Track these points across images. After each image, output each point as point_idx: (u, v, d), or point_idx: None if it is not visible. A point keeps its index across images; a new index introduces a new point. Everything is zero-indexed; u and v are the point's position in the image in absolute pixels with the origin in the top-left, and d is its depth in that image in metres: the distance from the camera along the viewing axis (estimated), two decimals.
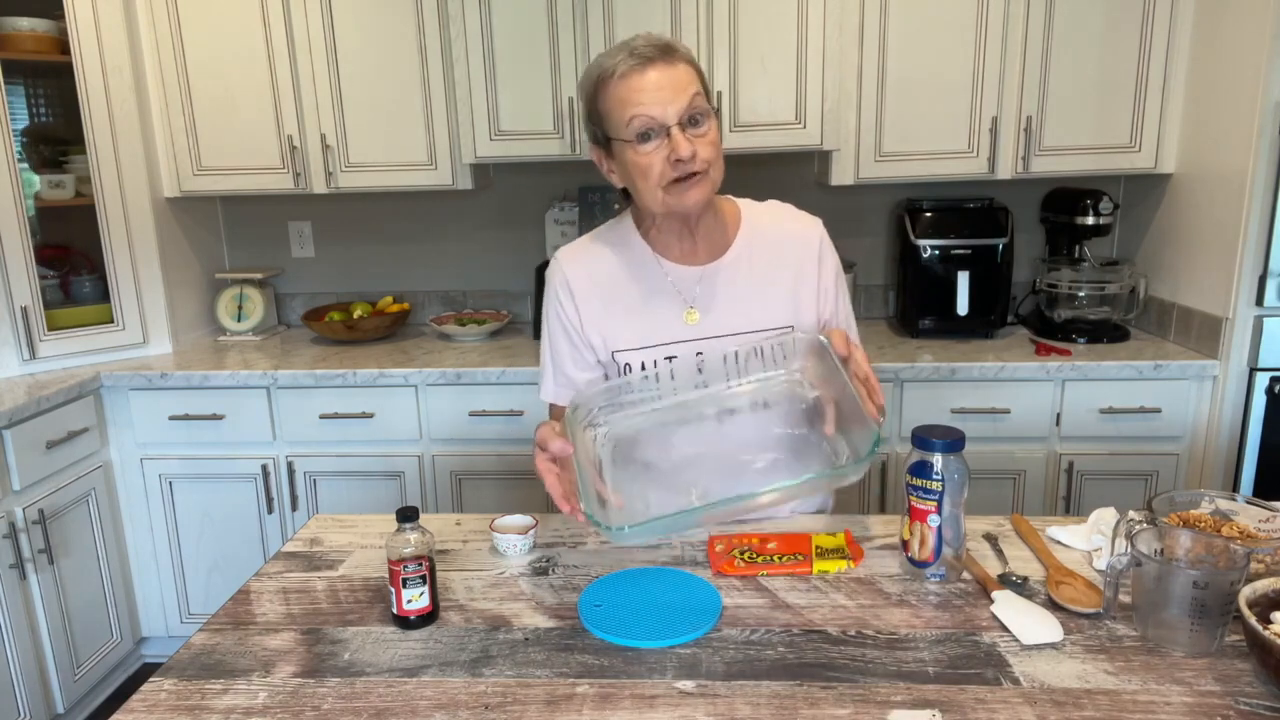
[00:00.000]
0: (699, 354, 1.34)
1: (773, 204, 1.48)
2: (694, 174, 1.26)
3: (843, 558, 1.28)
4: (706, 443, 1.31)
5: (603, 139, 1.31)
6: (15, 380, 2.46)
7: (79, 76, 2.48)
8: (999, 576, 1.24)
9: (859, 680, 1.02)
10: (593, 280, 1.41)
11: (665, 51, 1.24)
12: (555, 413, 1.47)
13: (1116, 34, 2.47)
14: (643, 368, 1.38)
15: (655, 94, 1.22)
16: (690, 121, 1.24)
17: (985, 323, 2.66)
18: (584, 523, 1.10)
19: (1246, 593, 1.03)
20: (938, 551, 1.23)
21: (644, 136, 1.24)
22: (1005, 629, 1.11)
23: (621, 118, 1.25)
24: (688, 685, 1.02)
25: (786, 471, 1.21)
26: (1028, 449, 2.46)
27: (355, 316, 2.88)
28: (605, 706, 0.99)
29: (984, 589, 1.20)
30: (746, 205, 1.46)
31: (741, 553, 1.30)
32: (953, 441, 1.22)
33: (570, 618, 1.17)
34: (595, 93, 1.28)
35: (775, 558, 1.28)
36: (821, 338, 1.23)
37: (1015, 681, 1.01)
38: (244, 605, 1.23)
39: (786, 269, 1.41)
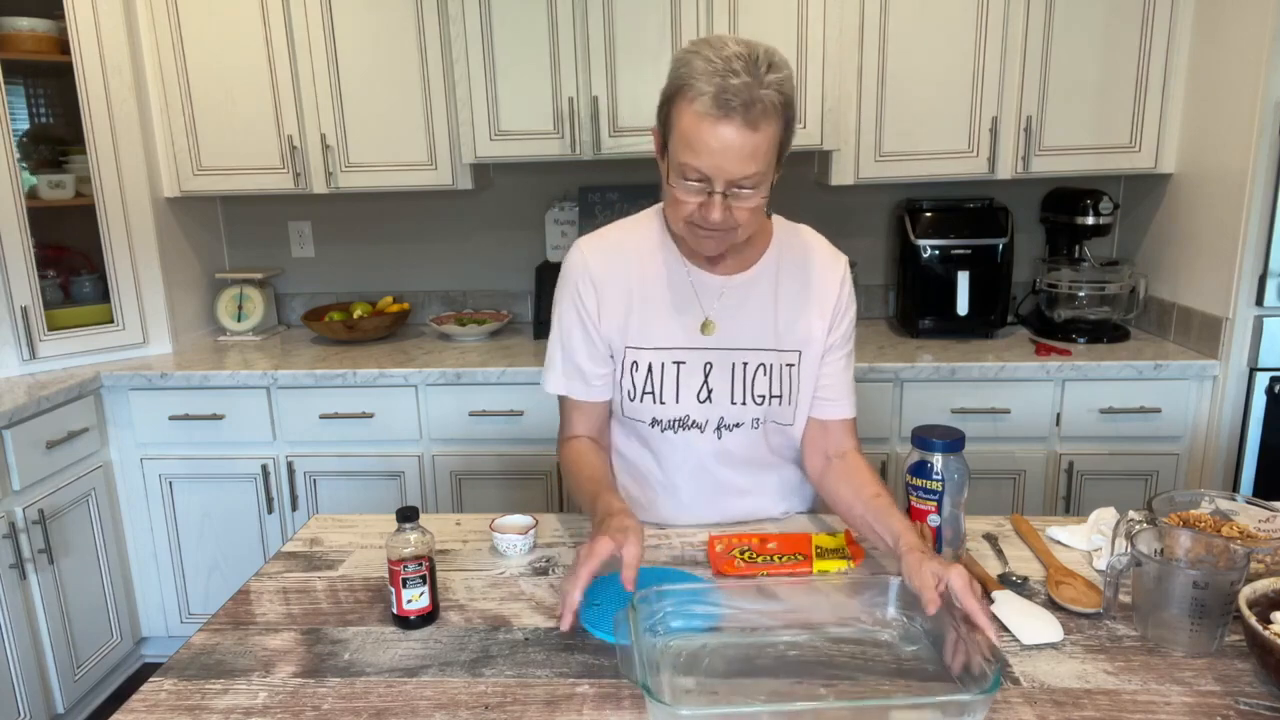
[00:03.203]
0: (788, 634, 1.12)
1: (805, 228, 1.45)
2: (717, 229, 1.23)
3: (843, 558, 1.28)
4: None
5: (664, 132, 1.24)
6: (15, 380, 2.46)
7: (79, 76, 2.48)
8: (999, 576, 1.24)
9: (859, 679, 1.02)
10: (617, 274, 1.37)
11: (751, 108, 1.13)
12: (566, 405, 1.43)
13: (1116, 34, 2.46)
14: (649, 370, 1.37)
15: (718, 155, 1.16)
16: (739, 187, 1.19)
17: (985, 323, 2.66)
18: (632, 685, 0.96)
19: (1246, 593, 1.03)
20: (938, 551, 1.23)
21: (689, 181, 1.20)
22: (1005, 629, 1.11)
23: (678, 151, 1.19)
24: (688, 684, 1.02)
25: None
26: (1028, 449, 2.46)
27: (355, 316, 2.88)
28: (605, 706, 0.99)
29: (984, 589, 1.20)
30: (779, 222, 1.42)
31: (742, 552, 1.29)
32: (953, 441, 1.22)
33: None
34: (674, 95, 1.20)
35: (775, 558, 1.28)
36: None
37: (1015, 681, 1.01)
38: (244, 605, 1.23)
39: (806, 295, 1.38)
